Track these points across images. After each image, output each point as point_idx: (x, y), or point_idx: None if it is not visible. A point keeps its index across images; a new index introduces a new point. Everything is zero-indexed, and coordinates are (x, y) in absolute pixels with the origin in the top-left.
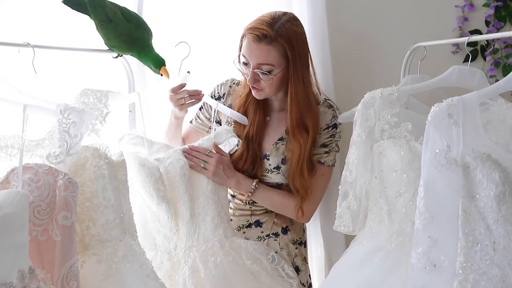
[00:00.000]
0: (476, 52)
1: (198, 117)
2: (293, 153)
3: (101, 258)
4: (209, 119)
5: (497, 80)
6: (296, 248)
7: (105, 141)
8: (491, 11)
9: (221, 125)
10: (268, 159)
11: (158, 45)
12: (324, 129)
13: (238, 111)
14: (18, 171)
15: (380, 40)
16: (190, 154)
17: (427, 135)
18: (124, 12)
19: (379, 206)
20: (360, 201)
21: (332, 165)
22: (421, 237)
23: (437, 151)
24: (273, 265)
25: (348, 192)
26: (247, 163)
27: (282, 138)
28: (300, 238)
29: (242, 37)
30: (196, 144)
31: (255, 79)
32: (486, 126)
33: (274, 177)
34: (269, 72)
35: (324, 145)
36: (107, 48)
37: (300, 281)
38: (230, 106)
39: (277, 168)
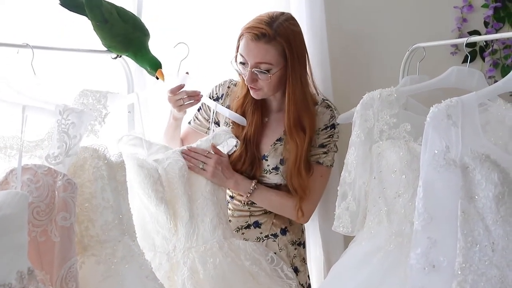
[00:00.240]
0: (475, 53)
1: (197, 118)
2: (290, 153)
3: (100, 259)
4: (207, 120)
5: (496, 81)
6: (295, 249)
7: (104, 142)
8: (490, 12)
9: (219, 126)
10: (266, 160)
11: (157, 45)
12: (322, 130)
13: (236, 112)
14: (17, 172)
15: (379, 41)
16: (189, 155)
17: (426, 136)
18: (120, 12)
19: (378, 207)
20: (359, 202)
21: (330, 165)
22: (420, 238)
23: (436, 151)
24: (272, 266)
25: (347, 193)
26: (246, 164)
27: (280, 139)
28: (299, 239)
29: (240, 37)
30: (194, 145)
31: (253, 78)
32: (485, 127)
33: (273, 178)
34: (268, 71)
35: (322, 146)
36: (106, 49)
37: (299, 282)
38: (228, 107)
39: (276, 168)
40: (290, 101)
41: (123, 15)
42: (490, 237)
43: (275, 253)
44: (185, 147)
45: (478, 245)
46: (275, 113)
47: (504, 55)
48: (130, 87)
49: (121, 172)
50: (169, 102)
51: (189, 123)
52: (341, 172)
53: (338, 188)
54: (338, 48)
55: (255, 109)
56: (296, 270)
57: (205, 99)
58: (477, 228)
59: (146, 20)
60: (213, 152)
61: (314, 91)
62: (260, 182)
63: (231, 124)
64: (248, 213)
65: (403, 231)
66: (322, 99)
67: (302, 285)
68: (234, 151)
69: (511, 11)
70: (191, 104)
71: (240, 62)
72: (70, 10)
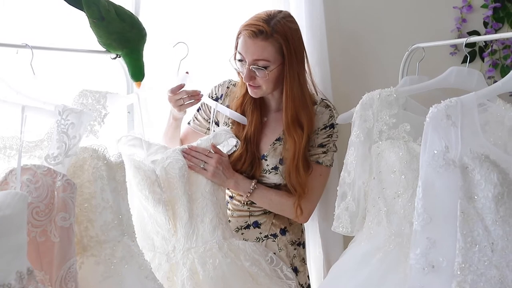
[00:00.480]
0: (474, 53)
1: (196, 118)
2: (288, 151)
3: (99, 259)
4: (206, 120)
5: (495, 81)
6: (295, 249)
7: (104, 142)
8: (489, 12)
9: (219, 126)
10: (266, 160)
11: (156, 45)
12: (321, 129)
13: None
14: (16, 172)
15: (379, 41)
16: (189, 154)
17: (425, 136)
18: (118, 10)
19: (378, 207)
20: (358, 202)
21: (330, 165)
22: (420, 238)
23: (436, 152)
24: (271, 267)
25: (347, 193)
26: (246, 164)
27: (280, 138)
28: (299, 239)
29: (238, 34)
30: (194, 144)
31: (251, 76)
32: (484, 127)
33: (272, 178)
34: (265, 68)
35: (321, 145)
36: (105, 49)
37: (299, 282)
38: (227, 107)
39: (275, 168)
40: (287, 98)
41: (120, 13)
42: (490, 237)
43: (274, 253)
44: (185, 146)
45: (477, 246)
46: (274, 112)
47: (503, 55)
48: (129, 87)
49: (120, 173)
50: (169, 102)
51: (189, 123)
52: (340, 173)
53: (337, 188)
54: (338, 49)
55: (254, 108)
56: (295, 270)
57: (206, 99)
58: (477, 228)
59: (145, 20)
60: (213, 152)
61: (313, 91)
62: (259, 182)
63: (230, 124)
64: (247, 213)
65: (403, 231)
66: (321, 98)
67: (301, 285)
68: (234, 151)
69: (511, 12)
70: (192, 104)
71: (238, 60)
72: (70, 4)
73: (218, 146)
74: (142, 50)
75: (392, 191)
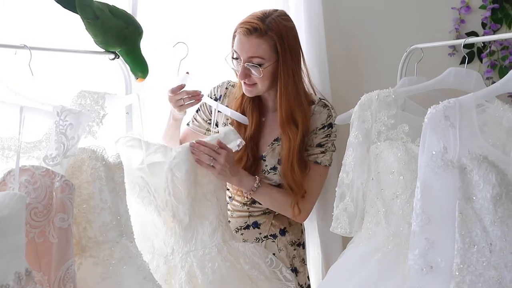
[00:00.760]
0: (472, 54)
1: (195, 119)
2: (283, 149)
3: (98, 260)
4: (206, 121)
5: (493, 82)
6: (295, 249)
7: (102, 143)
8: (488, 13)
9: (218, 126)
10: (264, 160)
11: (156, 45)
12: (319, 129)
13: None
14: (15, 173)
15: (377, 42)
16: (198, 149)
17: (423, 137)
18: (112, 10)
19: (376, 208)
20: (357, 203)
21: (328, 165)
22: (418, 239)
23: (434, 152)
24: (271, 269)
25: (345, 194)
26: (246, 164)
27: (278, 139)
28: (299, 239)
29: (234, 33)
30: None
31: (246, 73)
32: (482, 128)
33: (272, 178)
34: (260, 65)
35: (320, 145)
36: (104, 50)
37: (299, 283)
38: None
39: (274, 169)
40: (282, 95)
41: (114, 11)
42: (488, 238)
43: (274, 254)
44: (193, 141)
45: (476, 246)
46: (272, 112)
47: (501, 56)
48: (128, 88)
49: (119, 173)
50: (170, 102)
51: (188, 124)
52: (339, 173)
53: (336, 189)
54: (336, 49)
55: (253, 108)
56: (295, 271)
57: (206, 99)
58: (475, 229)
59: (146, 20)
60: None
61: (311, 91)
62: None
63: (230, 125)
64: (247, 214)
65: (401, 232)
66: (319, 98)
67: (301, 286)
68: (236, 151)
69: (509, 12)
70: (192, 104)
71: (234, 58)
72: (64, 7)
73: None
74: (139, 46)
75: (390, 192)
